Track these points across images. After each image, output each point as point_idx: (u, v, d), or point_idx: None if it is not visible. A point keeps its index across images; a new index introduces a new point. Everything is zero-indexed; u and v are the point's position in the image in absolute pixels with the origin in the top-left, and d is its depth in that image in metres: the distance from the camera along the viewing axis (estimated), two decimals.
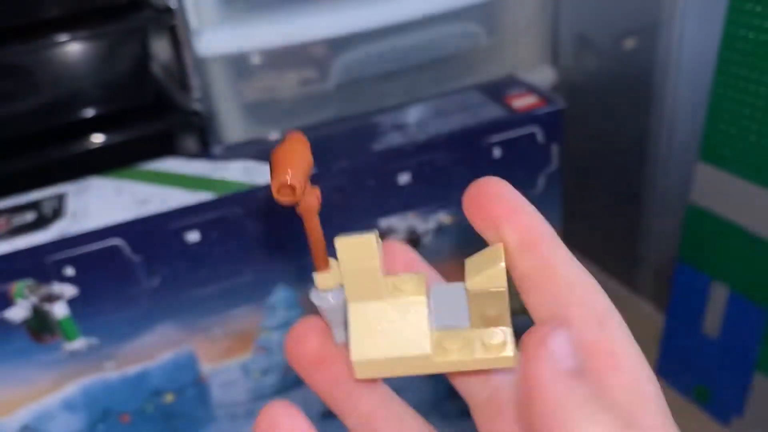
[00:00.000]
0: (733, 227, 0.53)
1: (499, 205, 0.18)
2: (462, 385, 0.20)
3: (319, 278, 0.20)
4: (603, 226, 0.74)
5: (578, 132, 0.69)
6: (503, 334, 0.18)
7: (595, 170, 0.72)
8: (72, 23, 0.46)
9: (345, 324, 0.20)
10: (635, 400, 0.16)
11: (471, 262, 0.19)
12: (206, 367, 0.45)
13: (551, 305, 0.17)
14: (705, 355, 0.59)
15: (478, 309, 0.19)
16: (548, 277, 0.17)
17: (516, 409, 0.18)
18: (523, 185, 0.47)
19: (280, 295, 0.45)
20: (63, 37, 0.45)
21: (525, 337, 0.16)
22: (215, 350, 0.45)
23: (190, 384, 0.45)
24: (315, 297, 0.20)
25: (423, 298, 0.19)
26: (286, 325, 0.46)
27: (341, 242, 0.19)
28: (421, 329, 0.19)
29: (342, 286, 0.20)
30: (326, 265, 0.20)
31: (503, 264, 0.18)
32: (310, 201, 0.19)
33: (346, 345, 0.20)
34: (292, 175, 0.18)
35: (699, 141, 0.54)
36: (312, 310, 0.21)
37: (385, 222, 0.45)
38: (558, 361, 0.15)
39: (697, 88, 0.58)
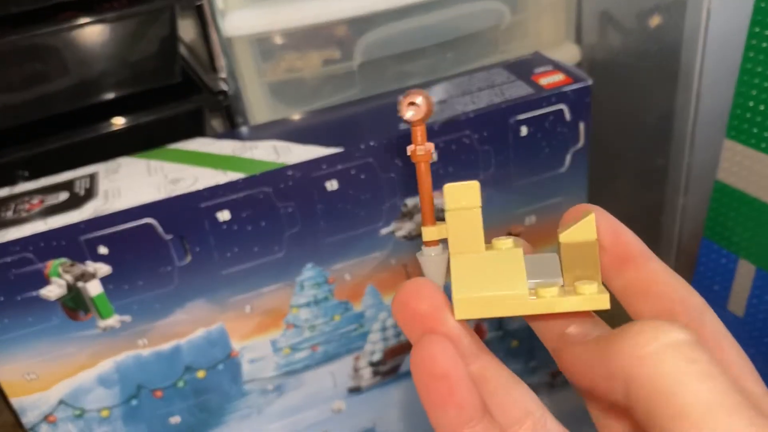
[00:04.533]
0: (760, 205, 0.53)
1: (599, 224, 0.20)
2: (542, 328, 0.22)
3: (425, 232, 0.22)
4: (628, 204, 0.74)
5: (602, 110, 0.68)
6: (595, 283, 0.20)
7: (620, 148, 0.71)
8: (100, 4, 0.46)
9: (445, 282, 0.22)
10: (741, 373, 0.18)
11: (563, 229, 0.21)
12: (237, 343, 0.46)
13: (657, 307, 0.20)
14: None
15: (570, 265, 0.20)
16: (650, 285, 0.20)
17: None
18: (550, 163, 0.47)
19: (309, 273, 0.45)
20: (92, 18, 0.45)
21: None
22: (246, 327, 0.45)
23: (222, 360, 0.46)
24: (420, 254, 0.22)
25: (520, 251, 0.21)
26: (315, 302, 0.46)
27: (449, 186, 0.21)
28: (518, 274, 0.20)
29: (444, 243, 0.21)
30: (432, 220, 0.22)
31: (593, 216, 0.20)
32: (426, 149, 0.22)
33: None
34: (423, 97, 0.21)
35: (726, 118, 0.53)
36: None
37: (411, 201, 0.45)
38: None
39: (724, 64, 0.57)
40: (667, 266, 0.20)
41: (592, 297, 0.20)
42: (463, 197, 0.21)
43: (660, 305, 0.20)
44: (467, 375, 0.19)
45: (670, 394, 0.15)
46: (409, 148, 0.22)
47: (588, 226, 0.20)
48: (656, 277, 0.20)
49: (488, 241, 0.22)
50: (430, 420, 0.20)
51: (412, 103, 0.21)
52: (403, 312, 0.21)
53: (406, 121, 0.22)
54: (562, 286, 0.21)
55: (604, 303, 0.20)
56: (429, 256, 0.23)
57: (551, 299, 0.20)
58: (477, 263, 0.21)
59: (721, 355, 0.19)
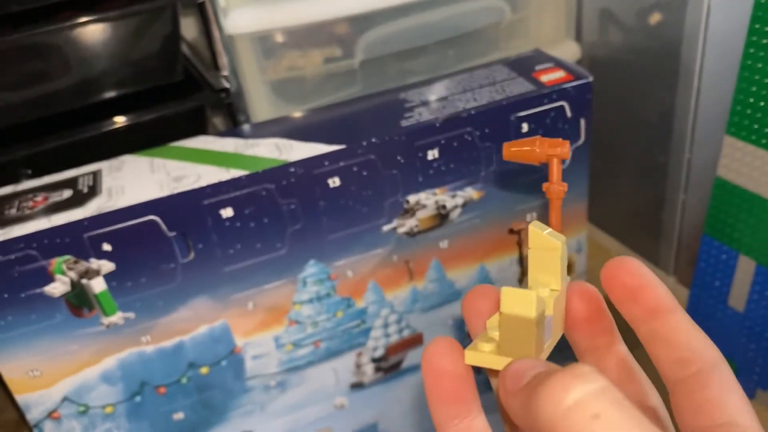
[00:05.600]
0: (760, 201, 0.53)
1: (633, 278, 0.22)
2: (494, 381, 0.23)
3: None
4: (628, 200, 0.74)
5: (603, 107, 0.68)
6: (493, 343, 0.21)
7: (620, 145, 0.72)
8: (102, 2, 0.46)
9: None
10: (742, 411, 0.20)
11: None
12: (240, 340, 0.46)
13: (673, 355, 0.22)
14: (730, 329, 0.59)
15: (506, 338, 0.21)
16: (671, 334, 0.22)
17: None
18: None
19: (312, 269, 0.45)
20: (94, 17, 0.46)
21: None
22: (248, 323, 0.46)
23: (225, 357, 0.46)
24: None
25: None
26: (317, 299, 0.47)
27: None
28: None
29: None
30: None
31: (534, 294, 0.20)
32: (560, 188, 0.24)
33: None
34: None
35: (726, 115, 0.53)
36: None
37: (413, 197, 0.46)
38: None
39: (724, 61, 0.57)
40: (691, 319, 0.22)
41: (492, 357, 0.20)
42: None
43: (676, 354, 0.22)
44: (469, 377, 0.21)
45: None
46: (545, 186, 0.24)
47: (528, 300, 0.20)
48: (678, 327, 0.22)
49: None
50: (431, 415, 0.21)
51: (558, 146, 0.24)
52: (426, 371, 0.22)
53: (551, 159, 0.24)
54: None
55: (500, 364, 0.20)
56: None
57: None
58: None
59: (725, 411, 0.20)
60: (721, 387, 0.21)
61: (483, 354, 0.21)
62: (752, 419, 0.20)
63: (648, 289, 0.22)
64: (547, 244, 0.22)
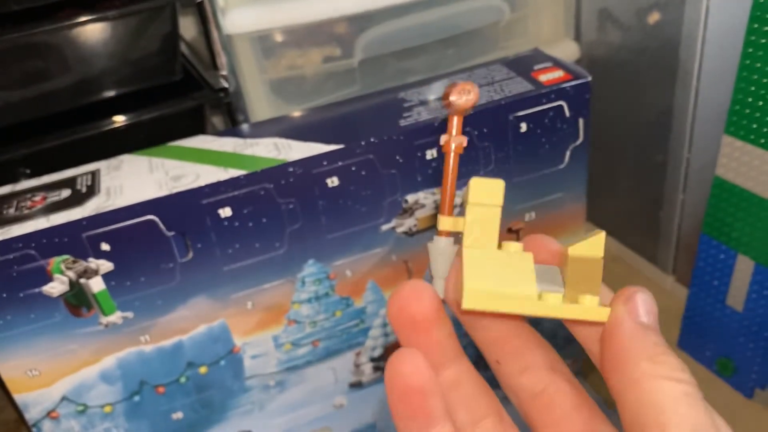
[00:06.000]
0: (759, 200, 0.53)
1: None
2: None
3: (442, 221, 0.23)
4: (626, 199, 0.74)
5: (602, 106, 0.69)
6: (597, 298, 0.21)
7: (619, 144, 0.72)
8: (101, 1, 0.46)
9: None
10: None
11: (572, 245, 0.21)
12: (238, 339, 0.46)
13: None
14: (728, 328, 0.59)
15: (574, 278, 0.21)
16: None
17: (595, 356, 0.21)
18: (549, 160, 0.48)
19: (311, 269, 0.45)
20: (93, 16, 0.46)
21: (614, 295, 0.20)
22: (247, 323, 0.46)
23: (223, 356, 0.46)
24: (430, 242, 0.23)
25: (530, 255, 0.21)
26: (316, 298, 0.47)
27: (475, 180, 0.21)
28: (528, 276, 0.21)
29: (456, 237, 0.22)
30: (450, 210, 0.23)
31: (603, 234, 0.21)
32: (457, 141, 0.23)
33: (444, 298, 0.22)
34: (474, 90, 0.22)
35: (725, 114, 0.53)
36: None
37: (412, 197, 0.46)
38: (637, 313, 0.19)
39: (723, 60, 0.57)
40: None
41: (594, 309, 0.20)
42: (487, 193, 0.21)
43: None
44: (435, 389, 0.20)
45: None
46: (443, 138, 0.23)
47: (597, 242, 0.21)
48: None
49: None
50: (396, 427, 0.21)
51: (464, 90, 0.22)
52: (397, 317, 0.22)
53: (448, 106, 0.22)
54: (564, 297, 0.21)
55: (603, 315, 0.20)
56: (439, 246, 0.23)
57: (556, 304, 0.20)
58: (489, 259, 0.21)
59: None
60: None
61: (582, 307, 0.20)
62: None
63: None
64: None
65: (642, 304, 0.20)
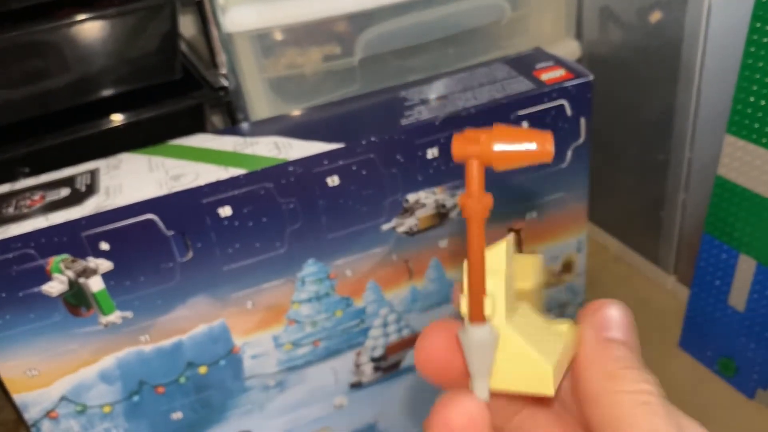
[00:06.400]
0: (761, 200, 0.53)
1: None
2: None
3: (476, 306, 0.18)
4: (628, 199, 0.74)
5: (603, 105, 0.68)
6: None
7: (621, 144, 0.71)
8: (101, 0, 0.46)
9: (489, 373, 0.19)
10: None
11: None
12: (238, 339, 0.46)
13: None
14: (730, 328, 0.59)
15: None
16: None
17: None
18: None
19: (311, 269, 0.45)
20: (92, 15, 0.45)
21: (581, 311, 0.20)
22: (247, 323, 0.45)
23: (223, 356, 0.46)
24: (462, 334, 0.19)
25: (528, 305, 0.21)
26: (316, 298, 0.46)
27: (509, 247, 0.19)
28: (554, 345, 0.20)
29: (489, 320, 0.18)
30: (483, 289, 0.18)
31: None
32: (482, 203, 0.17)
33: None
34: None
35: (726, 114, 0.53)
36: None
37: (413, 196, 0.45)
38: (601, 328, 0.19)
39: (724, 60, 0.57)
40: None
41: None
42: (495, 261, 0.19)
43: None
44: None
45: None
46: (461, 198, 0.17)
47: (532, 267, 0.21)
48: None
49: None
50: None
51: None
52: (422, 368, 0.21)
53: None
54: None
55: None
56: (477, 338, 0.18)
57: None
58: (525, 326, 0.20)
59: None
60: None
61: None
62: None
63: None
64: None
65: (607, 319, 0.19)
